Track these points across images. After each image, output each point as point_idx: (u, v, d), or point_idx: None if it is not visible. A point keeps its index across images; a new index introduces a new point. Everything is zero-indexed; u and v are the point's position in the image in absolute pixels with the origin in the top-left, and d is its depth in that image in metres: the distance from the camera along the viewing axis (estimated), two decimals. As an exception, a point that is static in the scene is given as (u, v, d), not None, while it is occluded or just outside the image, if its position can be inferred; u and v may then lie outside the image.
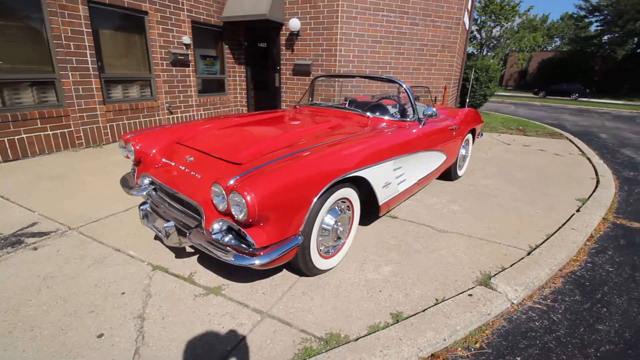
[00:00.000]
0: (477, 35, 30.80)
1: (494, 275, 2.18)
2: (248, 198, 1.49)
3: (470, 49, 30.61)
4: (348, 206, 2.22)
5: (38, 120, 4.52)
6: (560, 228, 2.90)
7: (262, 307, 1.86)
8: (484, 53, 30.72)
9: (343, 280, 2.11)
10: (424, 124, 2.95)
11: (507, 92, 30.34)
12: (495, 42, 31.28)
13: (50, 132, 4.69)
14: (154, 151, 2.40)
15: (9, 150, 4.27)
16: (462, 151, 4.04)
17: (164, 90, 6.26)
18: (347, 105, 3.28)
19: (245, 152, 2.02)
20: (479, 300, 1.93)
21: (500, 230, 2.86)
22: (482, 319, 1.81)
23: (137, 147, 2.37)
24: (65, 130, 4.87)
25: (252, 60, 7.84)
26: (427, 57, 7.25)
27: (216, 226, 1.73)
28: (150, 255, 2.33)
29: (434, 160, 3.19)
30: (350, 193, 2.13)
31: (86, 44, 4.88)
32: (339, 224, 2.09)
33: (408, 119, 2.95)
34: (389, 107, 3.16)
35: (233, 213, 1.59)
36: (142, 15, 5.68)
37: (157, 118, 6.25)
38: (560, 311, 1.98)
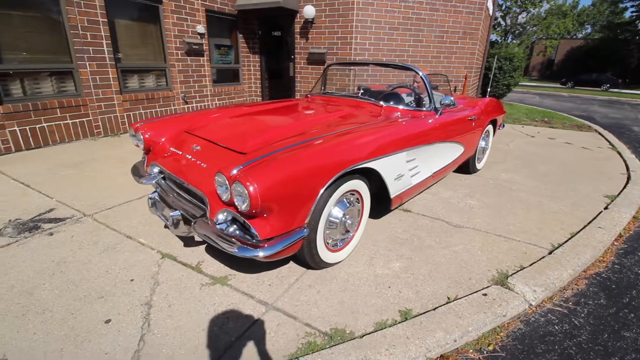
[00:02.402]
0: (502, 22, 29.37)
1: (511, 275, 2.07)
2: (251, 188, 1.44)
3: (493, 37, 29.24)
4: (357, 198, 2.14)
5: (58, 110, 4.62)
6: (586, 226, 2.72)
7: (267, 298, 1.83)
8: (508, 41, 29.30)
9: (351, 275, 2.05)
10: (440, 114, 2.81)
11: (532, 81, 29.00)
12: (520, 29, 29.74)
13: (70, 121, 4.80)
14: (163, 140, 2.38)
15: (30, 139, 4.40)
16: (482, 143, 3.86)
17: (179, 80, 6.29)
18: (360, 95, 3.16)
19: (251, 141, 1.97)
20: (494, 300, 1.83)
21: (520, 227, 2.72)
22: (497, 321, 1.72)
23: (146, 136, 2.36)
24: (84, 119, 4.97)
25: (266, 50, 7.76)
26: (447, 45, 6.97)
27: (220, 216, 1.70)
28: (160, 243, 2.34)
29: (450, 152, 3.06)
30: (359, 185, 2.05)
31: (102, 33, 4.92)
32: (347, 216, 2.02)
33: (424, 109, 2.82)
34: (404, 96, 3.04)
35: (236, 203, 1.55)
36: (156, 5, 5.68)
37: (172, 108, 6.30)
38: (582, 315, 1.86)
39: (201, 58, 6.62)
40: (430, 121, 2.70)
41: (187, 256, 2.20)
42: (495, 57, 9.77)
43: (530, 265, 2.18)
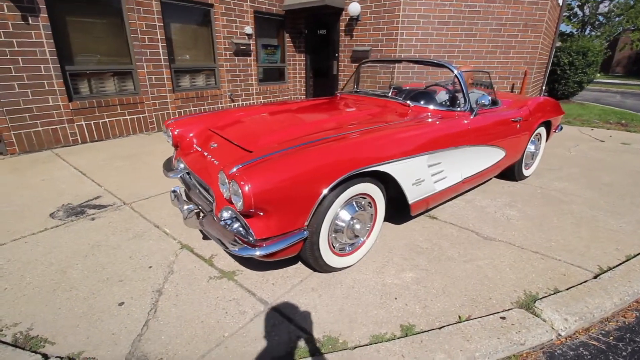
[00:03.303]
0: (579, 12, 25.97)
1: (541, 298, 1.83)
2: (246, 188, 1.45)
3: (568, 28, 25.99)
4: (369, 202, 2.05)
5: (118, 107, 5.14)
6: (650, 249, 2.31)
7: (268, 297, 1.84)
8: (586, 33, 25.85)
9: (358, 281, 1.97)
10: (475, 115, 2.57)
11: (615, 79, 25.37)
12: (602, 19, 26.02)
13: (128, 117, 5.31)
14: (190, 136, 2.51)
15: (94, 132, 4.95)
16: (531, 147, 3.47)
17: (227, 79, 6.61)
18: (390, 94, 3.02)
19: (262, 139, 1.99)
20: (512, 325, 1.62)
21: (564, 244, 2.39)
22: (512, 349, 1.53)
23: (175, 133, 2.50)
24: (141, 115, 5.46)
25: (311, 48, 7.82)
26: (505, 39, 6.38)
27: (225, 214, 1.74)
28: (182, 234, 2.47)
29: (487, 156, 2.79)
30: (371, 188, 1.96)
31: (158, 37, 5.36)
32: (356, 221, 1.94)
33: (458, 109, 2.60)
34: (436, 95, 2.83)
35: (233, 202, 1.57)
36: (208, 8, 6.02)
37: (220, 105, 6.65)
38: (624, 353, 1.57)
39: (248, 58, 6.89)
40: (465, 122, 2.49)
41: (203, 249, 2.30)
42: (566, 52, 8.72)
43: (567, 289, 1.90)
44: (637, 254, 2.25)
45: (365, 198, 2.00)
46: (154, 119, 5.65)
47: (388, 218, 2.67)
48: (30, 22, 4.13)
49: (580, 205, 3.00)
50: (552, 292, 1.88)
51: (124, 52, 5.11)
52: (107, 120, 5.05)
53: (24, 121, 4.30)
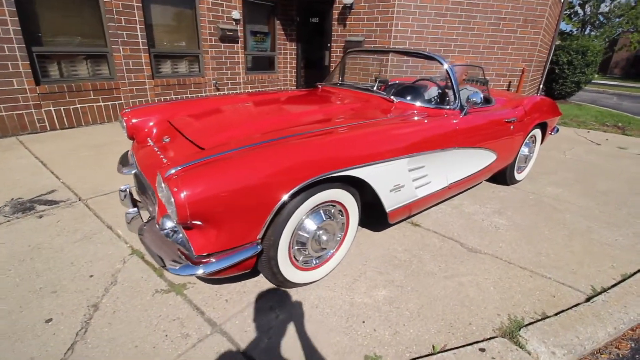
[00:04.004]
0: (580, 11, 25.65)
1: (526, 325, 1.62)
2: (180, 195, 1.20)
3: (568, 27, 25.66)
4: (340, 210, 1.81)
5: (91, 92, 4.82)
6: (648, 267, 2.11)
7: (218, 317, 1.61)
8: (586, 32, 25.57)
9: (323, 299, 1.75)
10: (465, 114, 2.34)
11: (613, 80, 25.25)
12: (602, 19, 25.74)
13: (102, 104, 4.99)
14: (148, 127, 2.25)
15: (64, 119, 4.63)
16: (524, 150, 3.25)
17: (212, 66, 6.28)
18: (375, 87, 2.77)
19: (218, 135, 1.73)
20: (493, 359, 1.41)
21: (555, 259, 2.19)
22: (491, 390, 1.32)
23: (130, 123, 2.23)
24: (116, 102, 5.14)
25: (303, 37, 7.49)
26: (504, 34, 6.12)
27: (168, 222, 1.49)
28: (134, 238, 2.22)
29: (477, 160, 2.56)
30: (341, 195, 1.72)
31: (137, 18, 5.01)
32: (323, 231, 1.71)
33: (447, 107, 2.36)
34: (425, 91, 2.59)
35: (168, 211, 1.32)
36: (192, -11, 5.66)
37: (203, 94, 6.33)
38: (619, 398, 1.37)
39: (235, 45, 6.55)
40: (454, 122, 2.25)
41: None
42: (565, 51, 8.49)
43: (557, 314, 1.70)
44: (634, 273, 2.05)
45: (335, 206, 1.76)
46: (132, 107, 5.33)
47: (366, 224, 2.45)
48: (-9, -4, 3.78)
49: (574, 215, 2.80)
50: (540, 318, 1.68)
51: (98, 33, 4.76)
52: (78, 106, 4.73)
53: (-16, 105, 3.98)
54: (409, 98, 2.46)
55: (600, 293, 1.87)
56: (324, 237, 1.71)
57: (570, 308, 1.75)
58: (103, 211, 2.55)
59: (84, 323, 1.57)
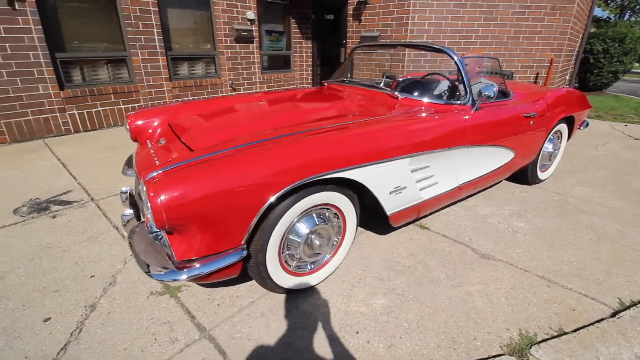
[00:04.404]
0: (617, -5, 23.72)
1: (539, 342, 1.47)
2: (157, 200, 1.17)
3: (605, 14, 23.74)
4: (336, 214, 1.73)
5: (112, 95, 4.99)
6: (688, 279, 1.87)
7: (207, 322, 1.57)
8: (625, 18, 23.60)
9: (316, 307, 1.67)
10: (476, 109, 2.17)
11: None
12: (644, 3, 23.63)
13: (123, 106, 5.15)
14: (151, 129, 2.26)
15: (87, 121, 4.83)
16: (548, 146, 3.01)
17: (228, 67, 6.34)
18: (383, 83, 2.65)
19: (210, 137, 1.69)
20: (496, 379, 1.29)
21: (579, 267, 1.99)
22: (492, 414, 1.19)
23: (133, 126, 2.26)
24: (136, 104, 5.30)
25: (319, 35, 7.41)
26: (530, 23, 5.75)
27: (154, 226, 1.47)
28: (138, 239, 2.24)
29: (491, 158, 2.39)
30: (336, 198, 1.64)
31: (153, 22, 5.13)
32: (316, 235, 1.63)
33: (458, 102, 2.21)
34: (434, 86, 2.44)
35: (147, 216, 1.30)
36: (206, -9, 5.73)
37: (220, 95, 6.41)
38: None
39: (250, 45, 6.58)
40: (463, 118, 2.10)
41: (155, 256, 2.06)
42: (600, 39, 7.87)
43: (575, 331, 1.53)
44: (671, 285, 1.83)
45: (329, 209, 1.68)
46: (151, 109, 5.47)
47: (370, 227, 2.35)
48: (17, 7, 3.97)
49: (604, 218, 2.55)
50: (556, 334, 1.51)
51: (117, 38, 4.92)
52: (100, 109, 4.92)
53: (13, 110, 4.20)
54: (416, 94, 2.33)
55: (628, 307, 1.67)
56: (317, 242, 1.63)
57: (592, 324, 1.57)
58: (112, 212, 2.60)
59: (80, 323, 1.59)
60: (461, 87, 2.26)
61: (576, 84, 9.15)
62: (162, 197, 1.16)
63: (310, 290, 1.78)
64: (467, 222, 2.47)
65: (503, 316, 1.62)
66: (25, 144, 4.27)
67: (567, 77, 8.01)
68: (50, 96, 4.44)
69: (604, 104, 7.07)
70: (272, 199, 1.34)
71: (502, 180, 3.18)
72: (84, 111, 4.77)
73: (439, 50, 2.31)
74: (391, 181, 1.75)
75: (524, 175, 2.98)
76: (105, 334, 1.53)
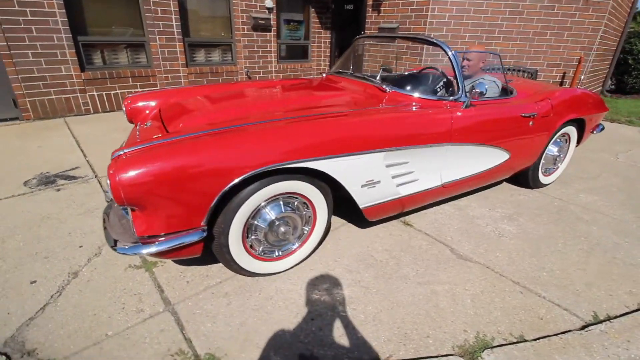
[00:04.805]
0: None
1: (493, 347, 1.44)
2: (116, 178, 1.24)
3: None
4: (305, 203, 1.75)
5: (130, 79, 5.19)
6: (676, 297, 1.76)
7: (174, 297, 1.66)
8: None
9: (280, 291, 1.71)
10: (467, 106, 2.10)
11: None
12: None
13: (140, 90, 5.35)
14: (145, 113, 2.36)
15: (106, 103, 5.07)
16: (553, 150, 2.86)
17: (244, 55, 6.41)
18: (379, 76, 2.61)
19: (188, 121, 1.75)
20: (438, 378, 1.28)
21: (560, 276, 1.91)
22: (425, 411, 1.20)
23: (129, 108, 2.36)
24: (153, 89, 5.47)
25: (338, 25, 7.32)
26: (559, 18, 5.41)
27: (126, 202, 1.55)
28: (129, 215, 2.37)
29: (483, 158, 2.31)
30: (303, 188, 1.65)
31: (172, 9, 5.25)
32: (281, 223, 1.66)
33: (450, 98, 2.15)
34: (427, 81, 2.37)
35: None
36: (225, -22, 5.78)
37: (235, 82, 6.51)
38: None
39: (268, 33, 6.60)
40: (450, 115, 2.04)
41: (141, 233, 2.17)
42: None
43: (536, 339, 1.48)
44: (656, 303, 1.72)
45: (297, 198, 1.70)
46: (167, 93, 5.66)
47: (352, 220, 2.36)
48: (43, -10, 4.20)
49: (603, 228, 2.42)
50: (514, 341, 1.48)
51: (136, 23, 5.09)
52: (118, 91, 5.13)
53: (37, 89, 4.48)
54: (407, 88, 2.28)
55: (601, 321, 1.60)
56: (282, 229, 1.66)
57: (557, 334, 1.52)
58: (110, 189, 2.75)
59: (61, 288, 1.72)
60: (453, 82, 2.19)
61: (612, 86, 8.56)
62: (120, 176, 1.23)
63: (278, 276, 1.82)
64: (454, 222, 2.42)
65: (464, 318, 1.60)
66: (48, 121, 4.55)
67: (609, 79, 7.51)
68: (72, 77, 4.68)
69: (638, 109, 6.59)
70: (231, 184, 1.38)
71: (502, 182, 3.08)
72: (103, 93, 5.01)
73: (433, 44, 2.24)
74: (363, 175, 1.75)
75: (524, 178, 2.86)
76: (81, 299, 1.64)
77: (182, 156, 1.31)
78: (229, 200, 1.48)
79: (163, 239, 1.40)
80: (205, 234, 1.45)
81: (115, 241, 1.47)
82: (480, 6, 5.44)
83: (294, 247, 1.82)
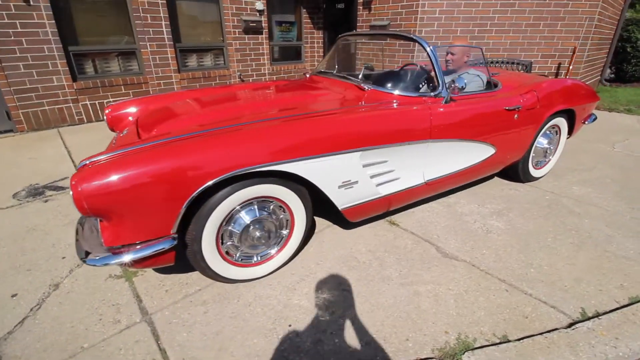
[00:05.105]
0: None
1: (474, 349, 1.40)
2: (78, 189, 1.22)
3: None
4: (281, 207, 1.72)
5: (122, 87, 5.21)
6: (667, 291, 1.70)
7: (151, 307, 1.64)
8: None
9: (259, 298, 1.69)
10: (447, 101, 2.07)
11: None
12: None
13: (133, 97, 5.36)
14: (128, 120, 2.35)
15: (99, 112, 5.09)
16: (543, 142, 2.81)
17: (236, 58, 6.40)
18: (361, 75, 2.57)
19: (162, 128, 1.73)
20: (414, 383, 1.25)
21: (548, 272, 1.86)
22: (399, 417, 1.16)
23: (110, 117, 2.36)
24: (146, 96, 5.50)
25: (330, 25, 7.29)
26: (552, 9, 5.33)
27: (98, 212, 1.54)
28: (114, 224, 2.36)
29: (467, 154, 2.27)
30: (277, 191, 1.63)
31: (161, 15, 5.26)
32: (257, 227, 1.64)
33: (432, 94, 2.11)
34: (407, 78, 2.33)
35: (75, 203, 1.36)
36: (214, -18, 5.78)
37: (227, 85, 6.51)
38: None
39: (259, 36, 6.59)
40: (430, 110, 2.00)
41: (124, 241, 2.16)
42: (638, 25, 7.16)
43: (519, 339, 1.44)
44: (646, 297, 1.67)
45: (272, 202, 1.68)
46: (160, 100, 5.67)
47: (337, 221, 2.33)
48: (32, 3, 4.22)
49: (595, 220, 2.36)
50: (497, 342, 1.44)
51: (127, 31, 5.11)
52: (111, 100, 5.15)
53: (30, 100, 4.50)
54: (387, 86, 2.25)
55: (589, 319, 1.55)
56: (257, 234, 1.64)
57: (542, 333, 1.48)
58: (97, 198, 2.74)
59: (41, 300, 1.71)
60: (433, 77, 2.15)
61: (612, 75, 8.43)
62: (82, 187, 1.21)
63: (258, 281, 1.79)
64: (441, 220, 2.37)
65: (446, 319, 1.56)
66: (41, 132, 4.58)
67: (607, 68, 7.39)
68: (64, 87, 4.70)
69: (638, 97, 6.48)
70: (197, 192, 1.35)
71: (493, 176, 3.03)
72: (96, 102, 5.03)
73: (412, 40, 2.20)
74: (339, 176, 1.72)
75: (514, 173, 2.81)
76: (60, 312, 1.63)
77: (145, 165, 1.29)
78: (198, 207, 1.45)
79: (132, 248, 1.38)
80: (175, 242, 1.43)
81: (88, 253, 1.45)
82: (471, 0, 5.37)
83: (273, 251, 1.79)
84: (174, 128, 1.69)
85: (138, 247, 1.37)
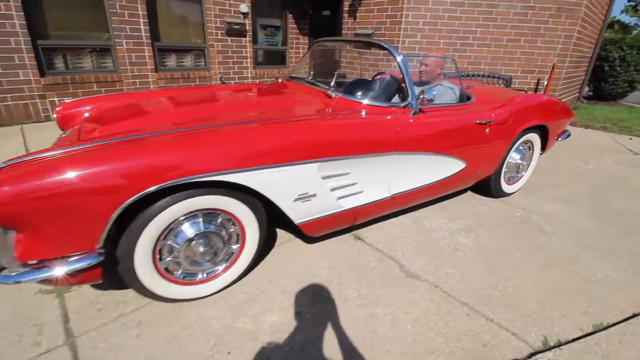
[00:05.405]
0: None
1: (426, 380, 1.29)
2: (-14, 194, 1.07)
3: (633, 20, 21.99)
4: (230, 219, 1.59)
5: (94, 84, 5.00)
6: (631, 318, 1.64)
7: (78, 328, 1.47)
8: None
9: (202, 319, 1.54)
10: (416, 112, 1.99)
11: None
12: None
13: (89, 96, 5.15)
14: (73, 120, 2.19)
15: (68, 109, 4.85)
16: (515, 157, 2.76)
17: (218, 60, 6.27)
18: (333, 82, 2.48)
19: (105, 129, 1.59)
20: (356, 422, 1.13)
21: (513, 295, 1.78)
22: None
23: (60, 115, 2.20)
24: (100, 95, 5.29)
25: (316, 31, 7.24)
26: (532, 25, 5.40)
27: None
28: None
29: (436, 168, 2.19)
30: (227, 203, 1.50)
31: (140, 12, 5.10)
32: (201, 241, 1.50)
33: (402, 105, 2.03)
34: (378, 87, 2.25)
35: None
36: (196, -18, 5.66)
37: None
38: None
39: (243, 39, 6.48)
40: (397, 121, 1.92)
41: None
42: (616, 45, 7.36)
43: (475, 371, 1.34)
44: (611, 325, 1.60)
45: (220, 214, 1.55)
46: (136, 99, 5.47)
47: (301, 234, 2.20)
48: (-2, -8, 4.01)
49: (564, 239, 2.31)
50: (451, 372, 1.34)
51: (102, 27, 4.92)
52: (81, 98, 4.92)
53: (-8, 94, 4.26)
54: (357, 94, 2.16)
55: (550, 348, 1.47)
56: (200, 249, 1.50)
57: (499, 363, 1.38)
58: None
59: (-42, 318, 1.53)
60: (404, 88, 2.08)
61: (590, 93, 8.64)
62: (-9, 192, 1.06)
63: (204, 300, 1.65)
64: (409, 235, 2.28)
65: (401, 346, 1.45)
66: (3, 129, 4.32)
67: (585, 86, 7.55)
68: (31, 82, 4.47)
69: (614, 115, 6.62)
70: (126, 204, 1.22)
71: (466, 191, 2.97)
72: (65, 99, 4.77)
73: (382, 48, 2.13)
74: (295, 188, 1.60)
75: (487, 188, 2.76)
76: (-25, 332, 1.46)
77: (66, 170, 1.14)
78: (129, 220, 1.31)
79: (49, 264, 1.22)
80: (102, 258, 1.28)
81: (3, 268, 1.29)
82: (454, 12, 5.40)
83: (221, 268, 1.65)
84: (120, 129, 1.55)
85: (56, 263, 1.22)
